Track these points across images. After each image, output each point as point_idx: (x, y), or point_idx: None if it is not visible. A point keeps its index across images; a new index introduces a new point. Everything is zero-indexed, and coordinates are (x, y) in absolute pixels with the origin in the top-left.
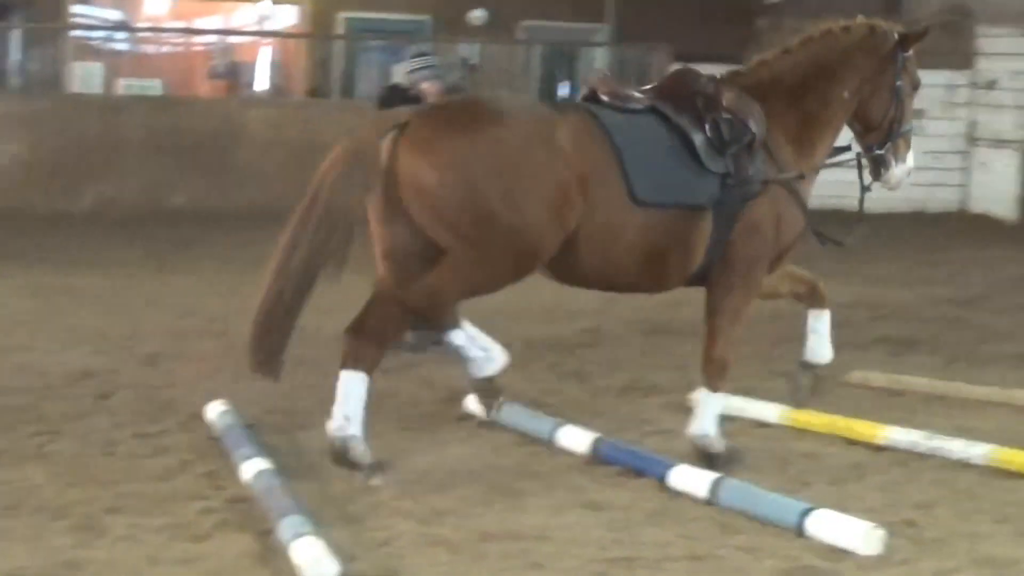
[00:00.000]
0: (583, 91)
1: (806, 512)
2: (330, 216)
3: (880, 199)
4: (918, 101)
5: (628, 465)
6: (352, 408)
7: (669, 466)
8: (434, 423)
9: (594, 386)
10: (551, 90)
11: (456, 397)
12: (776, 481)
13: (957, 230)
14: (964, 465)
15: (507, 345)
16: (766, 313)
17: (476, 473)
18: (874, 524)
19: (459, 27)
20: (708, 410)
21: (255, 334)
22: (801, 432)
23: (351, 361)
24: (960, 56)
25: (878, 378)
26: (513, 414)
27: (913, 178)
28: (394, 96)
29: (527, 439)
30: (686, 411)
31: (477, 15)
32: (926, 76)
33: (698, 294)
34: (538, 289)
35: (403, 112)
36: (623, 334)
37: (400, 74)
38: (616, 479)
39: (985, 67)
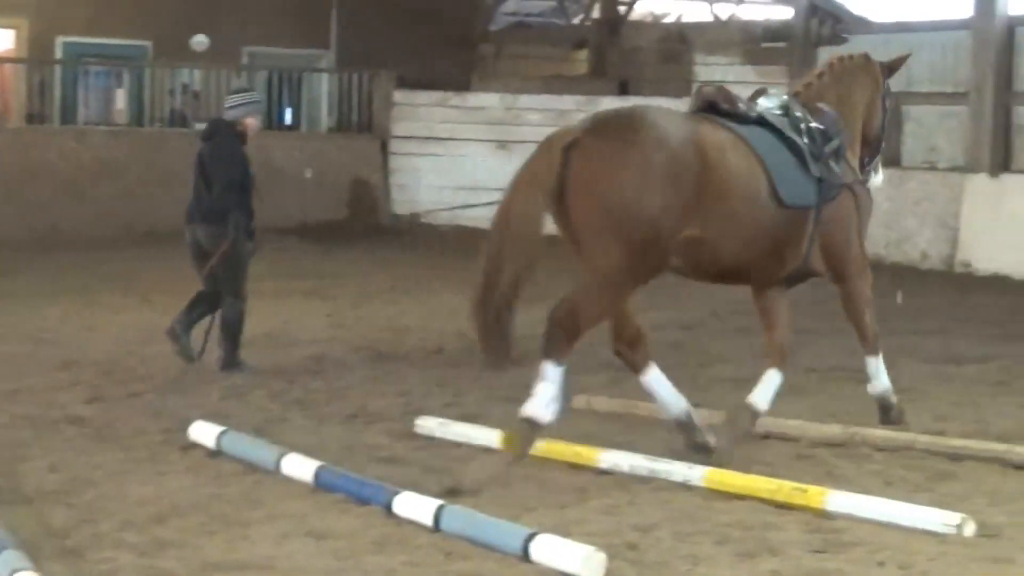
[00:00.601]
0: (695, 103)
1: (529, 537)
2: (520, 242)
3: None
4: None
5: (352, 493)
6: (551, 392)
7: (394, 493)
8: (158, 453)
9: (319, 414)
10: (275, 116)
11: (181, 427)
12: (500, 507)
13: None
14: (685, 487)
15: (232, 374)
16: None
17: (199, 503)
18: (596, 548)
19: (180, 53)
20: (881, 372)
21: (484, 347)
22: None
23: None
24: (678, 84)
25: (601, 402)
26: (236, 443)
27: None
28: (220, 130)
29: (251, 468)
30: (411, 438)
31: (199, 41)
32: (646, 104)
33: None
34: (261, 317)
35: (572, 131)
36: (348, 361)
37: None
38: (341, 507)
39: None
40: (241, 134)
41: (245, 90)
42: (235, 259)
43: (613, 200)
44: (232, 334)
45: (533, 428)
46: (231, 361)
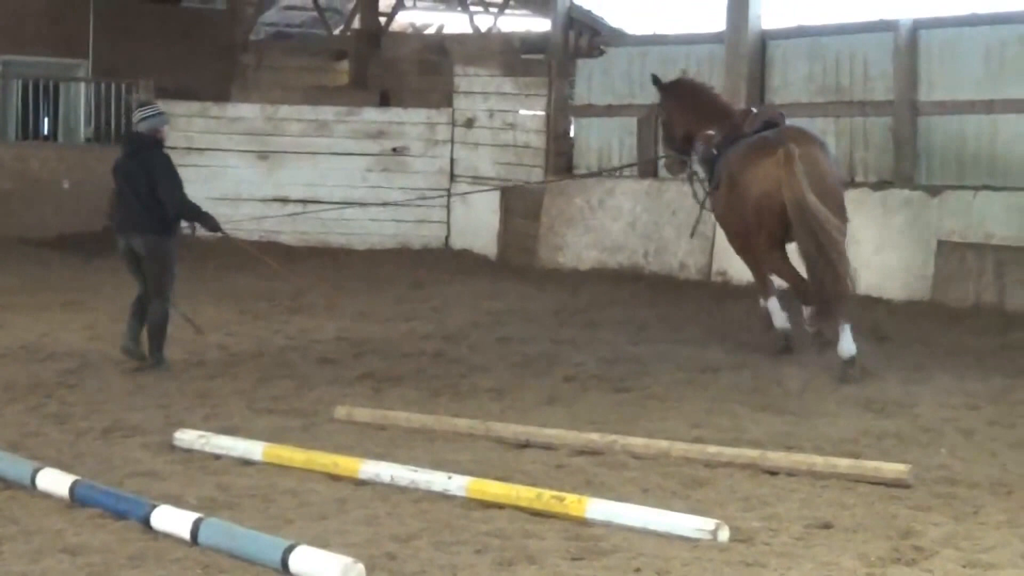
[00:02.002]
0: (757, 123)
1: (289, 549)
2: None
3: (366, 235)
4: (401, 139)
5: (109, 507)
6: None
7: (151, 507)
8: None
9: (76, 428)
10: (31, 125)
11: None
12: (259, 519)
13: (440, 266)
14: (445, 497)
15: None
16: (252, 351)
17: None
18: (355, 559)
19: None
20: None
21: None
22: (285, 469)
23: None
24: (439, 95)
25: (362, 413)
26: None
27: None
28: (144, 143)
29: (5, 484)
30: (170, 451)
31: None
32: (407, 115)
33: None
34: (18, 330)
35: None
36: (106, 374)
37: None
38: (97, 522)
39: (463, 106)
40: (160, 143)
41: (150, 103)
42: (171, 264)
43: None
44: (161, 334)
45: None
46: (159, 359)
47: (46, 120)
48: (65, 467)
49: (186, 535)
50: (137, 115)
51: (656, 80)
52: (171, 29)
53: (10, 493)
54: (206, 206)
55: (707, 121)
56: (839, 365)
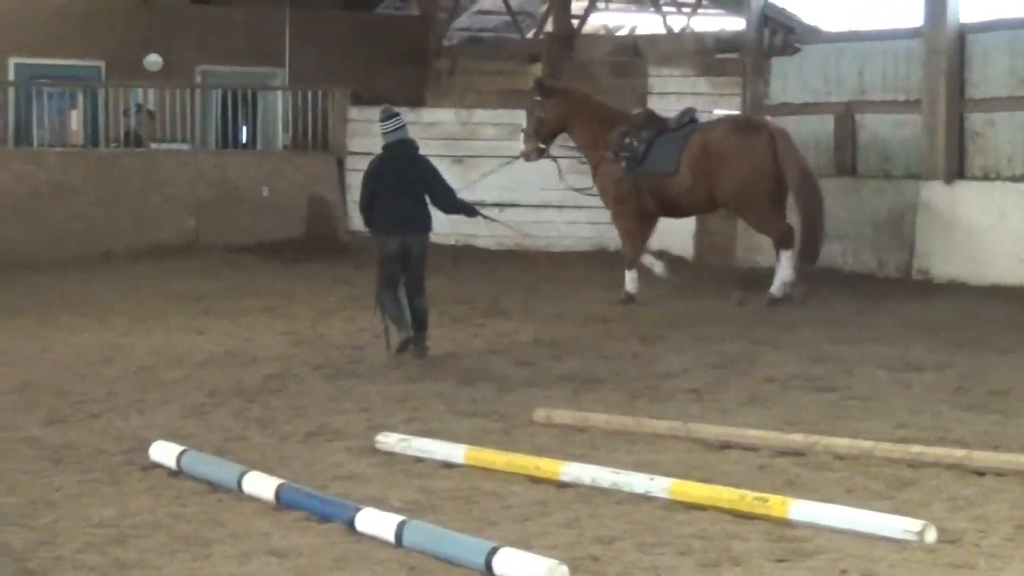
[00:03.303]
0: (682, 118)
1: (492, 551)
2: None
3: (562, 237)
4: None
5: (314, 511)
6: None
7: (355, 510)
8: (118, 474)
9: (279, 432)
10: (231, 134)
11: (142, 448)
12: (462, 521)
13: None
14: (646, 499)
15: (191, 393)
16: (452, 354)
17: (160, 524)
18: (558, 561)
19: (134, 73)
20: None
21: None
22: (486, 471)
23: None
24: (633, 96)
25: (562, 415)
26: (197, 462)
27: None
28: (414, 148)
29: (212, 488)
30: (372, 454)
31: (152, 60)
32: None
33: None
34: (221, 336)
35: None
36: (308, 379)
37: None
38: (303, 525)
39: (657, 107)
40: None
41: (396, 112)
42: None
43: None
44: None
45: None
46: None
47: (244, 128)
48: (270, 471)
49: (390, 537)
50: (392, 124)
51: (541, 84)
52: (365, 36)
53: (217, 496)
54: None
55: (608, 120)
56: (782, 287)
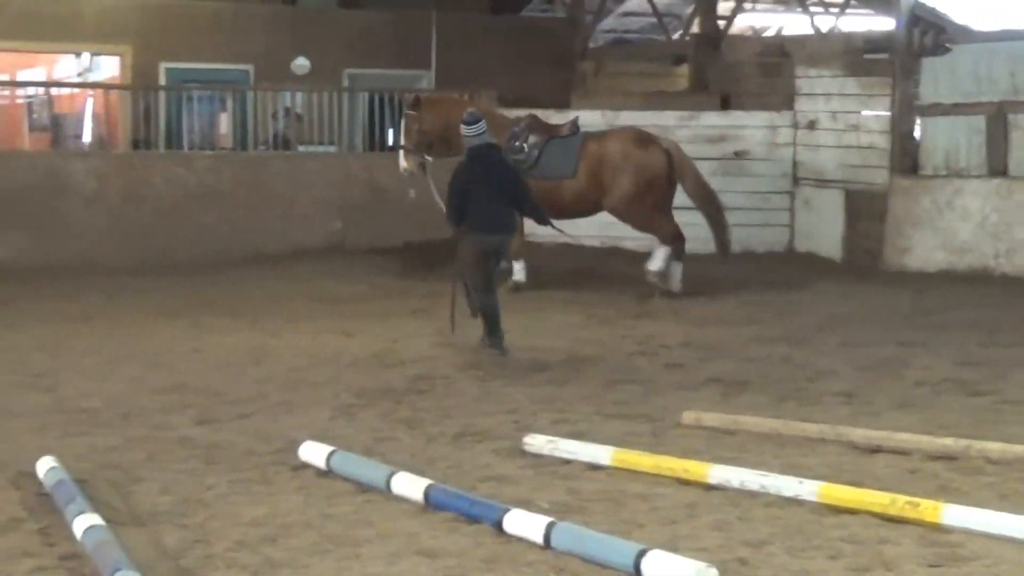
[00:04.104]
0: (572, 126)
1: (641, 553)
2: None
3: (709, 239)
4: (742, 142)
5: (462, 511)
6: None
7: (504, 511)
8: (268, 474)
9: (427, 433)
10: (378, 136)
11: (291, 448)
12: (610, 523)
13: (783, 269)
14: (795, 502)
15: (340, 394)
16: (598, 356)
17: (310, 523)
18: (707, 563)
19: (282, 76)
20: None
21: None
22: (633, 473)
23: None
24: (781, 97)
25: (710, 418)
26: (346, 463)
27: (741, 218)
28: (496, 151)
29: (361, 488)
30: (519, 456)
31: (300, 64)
32: (748, 118)
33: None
34: (368, 338)
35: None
36: (454, 380)
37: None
38: (451, 525)
39: (805, 108)
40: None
41: (481, 117)
42: None
43: None
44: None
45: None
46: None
47: (391, 131)
48: (418, 471)
49: (539, 539)
50: (479, 127)
51: (418, 98)
52: (511, 38)
53: (366, 497)
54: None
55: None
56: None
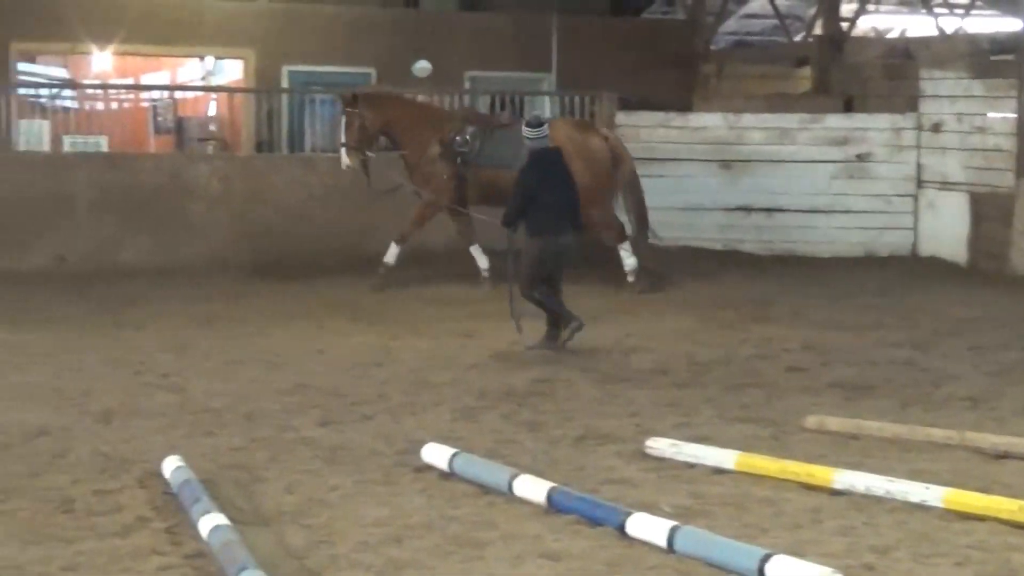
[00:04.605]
0: (504, 117)
1: (765, 558)
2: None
3: (831, 243)
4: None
5: (585, 514)
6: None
7: (626, 514)
8: (391, 475)
9: (549, 435)
10: None
11: (414, 449)
12: (733, 528)
13: (907, 273)
14: (921, 508)
15: (461, 396)
16: (719, 359)
17: (434, 524)
18: (833, 569)
19: (404, 79)
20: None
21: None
22: (757, 478)
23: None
24: (904, 99)
25: (833, 422)
26: (468, 465)
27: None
28: (557, 154)
29: (483, 490)
30: (642, 459)
31: (421, 67)
32: (872, 120)
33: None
34: (489, 340)
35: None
36: (576, 383)
37: None
38: (574, 528)
39: (929, 110)
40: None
41: (544, 121)
42: None
43: None
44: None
45: None
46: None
47: None
48: (540, 474)
49: (662, 543)
50: (543, 131)
51: (355, 95)
52: (632, 40)
53: (489, 499)
54: (669, 216)
55: (428, 117)
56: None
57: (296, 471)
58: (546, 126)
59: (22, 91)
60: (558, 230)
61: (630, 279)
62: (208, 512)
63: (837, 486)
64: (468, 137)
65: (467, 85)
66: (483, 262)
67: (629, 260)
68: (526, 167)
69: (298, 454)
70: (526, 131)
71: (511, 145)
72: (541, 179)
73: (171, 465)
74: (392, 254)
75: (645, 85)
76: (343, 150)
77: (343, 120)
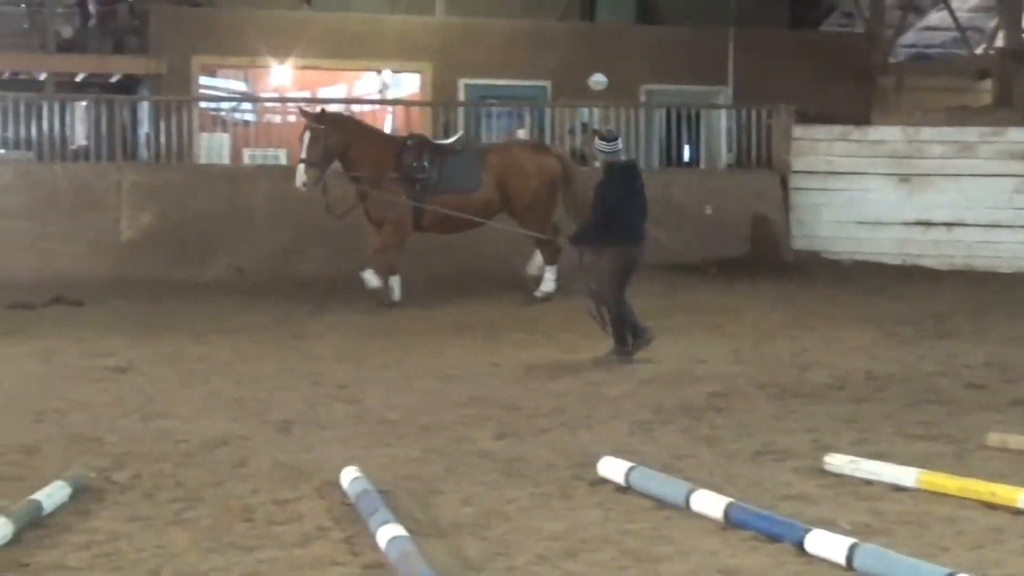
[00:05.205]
0: (462, 141)
1: None
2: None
3: (1012, 257)
4: None
5: (763, 530)
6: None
7: (805, 531)
8: (567, 488)
9: (726, 450)
10: (674, 151)
11: (590, 463)
12: (914, 546)
13: None
14: None
15: (638, 409)
16: (898, 375)
17: (609, 538)
18: None
19: (579, 92)
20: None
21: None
22: (938, 496)
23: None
24: None
25: (1017, 440)
26: (645, 479)
27: None
28: (635, 167)
29: (660, 504)
30: (820, 475)
31: (597, 80)
32: None
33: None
34: (665, 352)
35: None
36: (752, 398)
37: None
38: (751, 544)
39: None
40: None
41: (618, 135)
42: None
43: None
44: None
45: None
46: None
47: (688, 147)
48: (717, 489)
49: (841, 560)
50: (618, 144)
51: (323, 112)
52: (809, 53)
53: (666, 514)
54: (847, 231)
55: (383, 143)
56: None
57: (473, 483)
58: (620, 140)
59: (203, 104)
60: (640, 238)
61: (537, 296)
62: (386, 523)
63: (1021, 505)
64: (426, 163)
65: (643, 98)
66: (374, 281)
67: (550, 285)
68: (606, 181)
69: (474, 466)
70: (600, 144)
71: (467, 170)
72: (624, 191)
73: (349, 476)
74: (372, 282)
75: (823, 98)
76: (300, 166)
77: (307, 136)
